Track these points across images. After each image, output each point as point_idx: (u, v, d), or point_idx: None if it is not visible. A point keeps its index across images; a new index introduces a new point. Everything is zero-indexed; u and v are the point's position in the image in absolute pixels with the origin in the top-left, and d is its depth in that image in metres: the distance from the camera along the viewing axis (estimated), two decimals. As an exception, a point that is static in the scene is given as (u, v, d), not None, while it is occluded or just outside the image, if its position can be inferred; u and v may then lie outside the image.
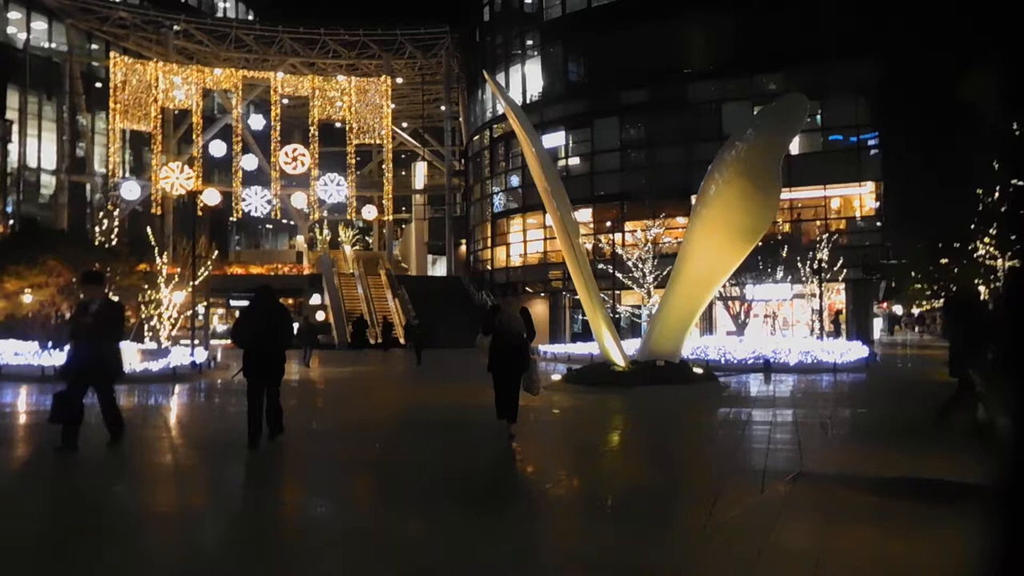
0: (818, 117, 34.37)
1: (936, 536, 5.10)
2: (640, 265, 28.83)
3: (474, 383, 13.47)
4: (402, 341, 35.28)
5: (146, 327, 25.14)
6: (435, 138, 57.20)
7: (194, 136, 48.55)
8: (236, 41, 50.53)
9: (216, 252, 29.59)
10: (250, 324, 8.85)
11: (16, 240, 27.14)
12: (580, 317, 37.88)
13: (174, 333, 25.31)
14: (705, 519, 5.54)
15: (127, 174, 49.54)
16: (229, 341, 41.34)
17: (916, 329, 60.02)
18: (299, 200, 49.82)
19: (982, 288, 36.02)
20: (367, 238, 57.32)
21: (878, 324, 43.56)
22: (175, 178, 46.01)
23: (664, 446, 9.80)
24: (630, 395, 14.89)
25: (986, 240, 31.86)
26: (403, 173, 59.53)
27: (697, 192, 16.95)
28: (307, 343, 24.00)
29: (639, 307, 31.70)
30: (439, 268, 57.13)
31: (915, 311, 64.49)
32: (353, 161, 50.86)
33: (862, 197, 36.82)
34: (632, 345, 19.15)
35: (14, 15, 47.22)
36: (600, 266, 29.73)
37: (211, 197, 46.27)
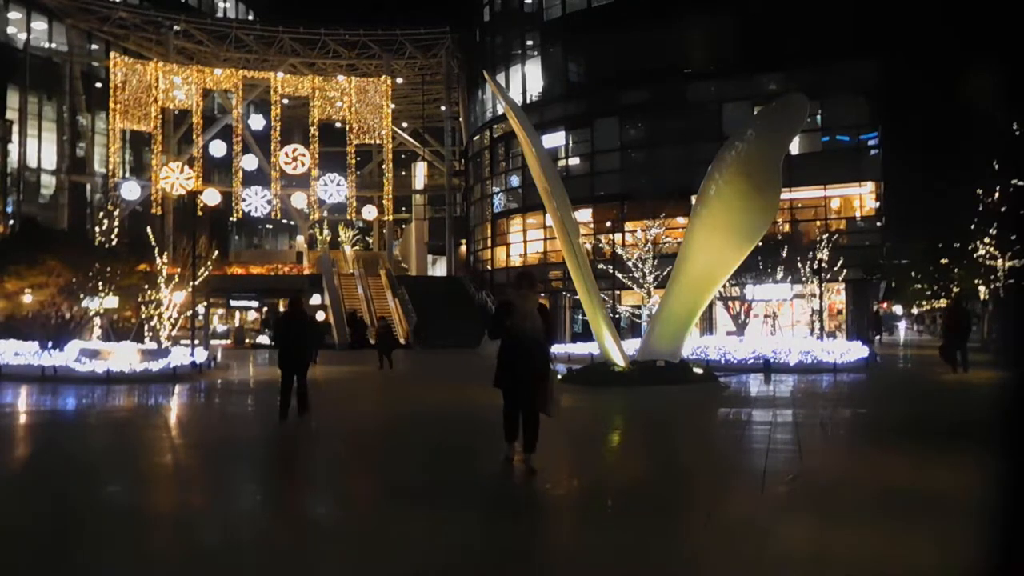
0: (818, 117, 34.33)
1: (937, 533, 5.10)
2: (640, 265, 28.81)
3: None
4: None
5: (146, 327, 25.12)
6: (435, 138, 57.17)
7: (194, 136, 48.51)
8: (236, 41, 50.48)
9: (216, 252, 29.52)
10: (282, 327, 11.57)
11: (16, 240, 27.11)
12: (580, 317, 37.88)
13: (174, 333, 25.28)
14: (705, 519, 5.54)
15: (127, 174, 49.50)
16: (228, 341, 41.51)
17: (914, 328, 60.24)
18: (299, 200, 49.79)
19: (982, 288, 36.00)
20: (367, 238, 57.29)
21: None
22: (175, 178, 45.98)
23: (664, 446, 9.81)
24: (630, 395, 14.89)
25: (986, 240, 31.78)
26: (403, 173, 59.49)
27: (697, 192, 16.94)
28: (314, 342, 23.84)
29: (639, 307, 31.67)
30: (439, 268, 57.11)
31: (915, 311, 64.56)
32: (353, 161, 50.82)
33: (862, 197, 36.81)
34: (632, 345, 19.14)
35: (14, 15, 47.17)
36: (600, 266, 29.69)
37: (211, 197, 46.25)
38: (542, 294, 39.81)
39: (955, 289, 41.15)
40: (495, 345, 7.20)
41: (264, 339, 43.46)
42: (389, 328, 25.43)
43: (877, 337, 28.52)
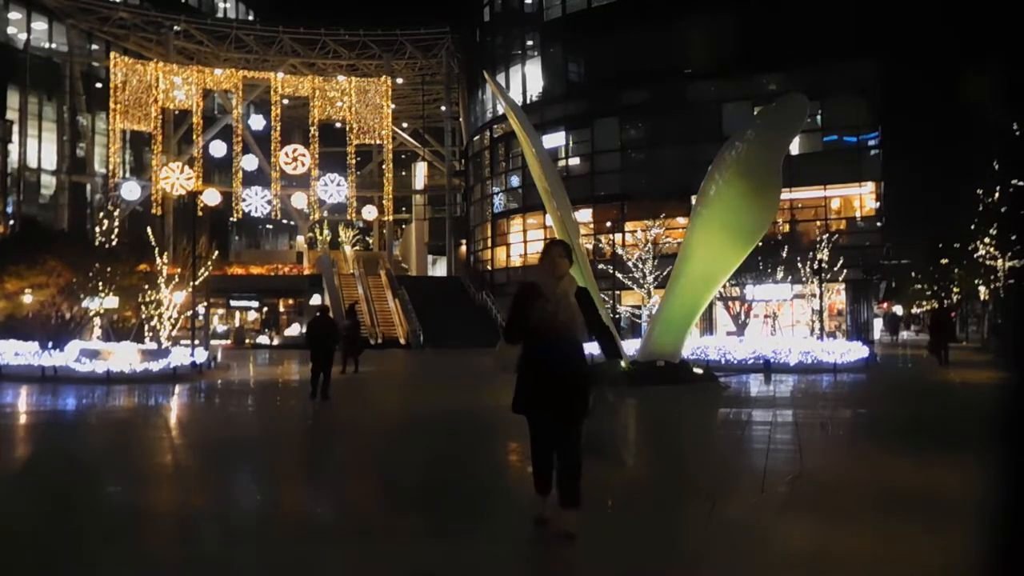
0: (818, 117, 34.33)
1: (938, 534, 5.09)
2: (640, 265, 28.81)
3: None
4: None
5: (146, 327, 25.12)
6: (435, 138, 57.17)
7: (194, 136, 48.51)
8: (236, 41, 50.46)
9: (216, 252, 29.51)
10: (312, 333, 14.37)
11: (16, 240, 27.10)
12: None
13: (174, 333, 25.28)
14: (706, 519, 5.54)
15: (127, 174, 49.48)
16: (228, 342, 41.52)
17: (911, 328, 60.24)
18: (299, 200, 49.77)
19: (982, 288, 35.98)
20: (367, 238, 57.27)
21: (878, 324, 43.55)
22: (175, 178, 45.97)
23: (664, 446, 9.81)
24: (630, 395, 14.86)
25: (986, 240, 31.78)
26: (403, 173, 59.47)
27: (697, 192, 16.94)
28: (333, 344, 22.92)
29: (639, 307, 31.66)
30: (439, 268, 57.10)
31: (915, 311, 64.56)
32: (353, 161, 50.80)
33: (862, 197, 36.79)
34: (632, 345, 19.14)
35: (14, 15, 47.16)
36: (600, 266, 29.69)
37: (211, 197, 46.23)
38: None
39: (955, 289, 41.14)
40: (515, 351, 5.00)
41: (264, 339, 43.48)
42: (358, 326, 22.65)
43: (892, 336, 28.93)
